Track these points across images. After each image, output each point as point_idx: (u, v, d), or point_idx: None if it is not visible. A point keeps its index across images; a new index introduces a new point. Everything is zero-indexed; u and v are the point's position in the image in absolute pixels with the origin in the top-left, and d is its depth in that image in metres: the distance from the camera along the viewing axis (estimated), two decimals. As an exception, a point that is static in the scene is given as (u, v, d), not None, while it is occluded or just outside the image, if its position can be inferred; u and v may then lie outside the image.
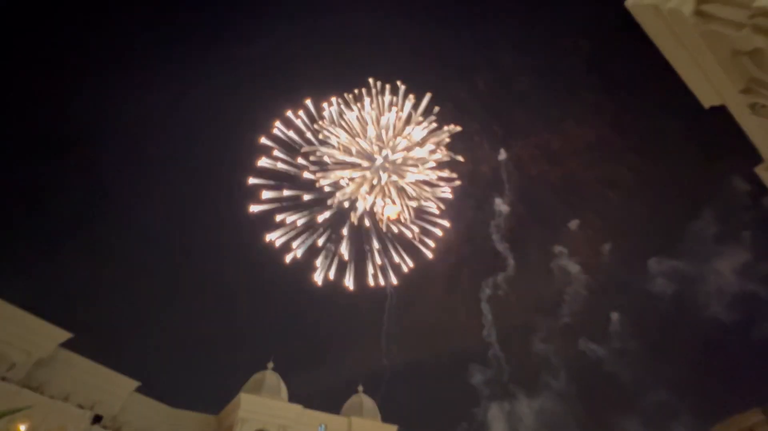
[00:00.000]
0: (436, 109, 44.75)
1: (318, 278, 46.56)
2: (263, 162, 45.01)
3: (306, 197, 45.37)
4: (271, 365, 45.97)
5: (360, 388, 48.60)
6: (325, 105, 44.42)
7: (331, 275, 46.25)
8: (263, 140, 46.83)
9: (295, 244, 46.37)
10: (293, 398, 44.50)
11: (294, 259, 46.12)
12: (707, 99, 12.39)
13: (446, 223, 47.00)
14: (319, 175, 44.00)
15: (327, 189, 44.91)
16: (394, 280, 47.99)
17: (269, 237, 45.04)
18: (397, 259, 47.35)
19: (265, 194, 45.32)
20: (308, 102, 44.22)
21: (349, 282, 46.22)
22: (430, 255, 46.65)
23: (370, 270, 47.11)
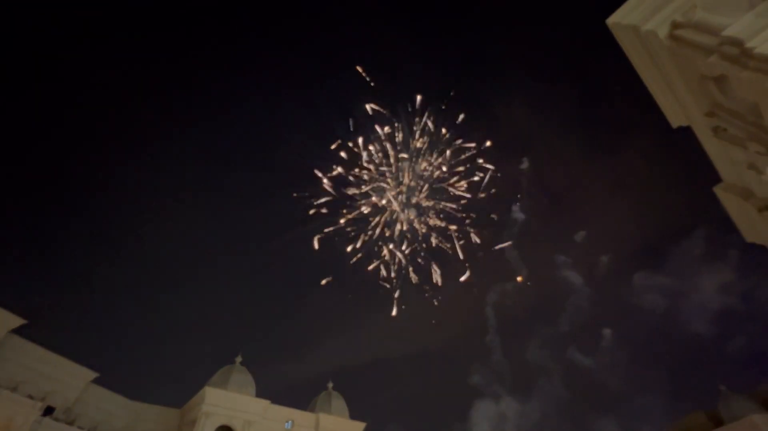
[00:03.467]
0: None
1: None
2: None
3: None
4: (239, 359, 44.97)
5: (330, 385, 48.33)
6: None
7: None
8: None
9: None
10: (261, 392, 43.72)
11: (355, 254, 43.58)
12: (675, 119, 13.08)
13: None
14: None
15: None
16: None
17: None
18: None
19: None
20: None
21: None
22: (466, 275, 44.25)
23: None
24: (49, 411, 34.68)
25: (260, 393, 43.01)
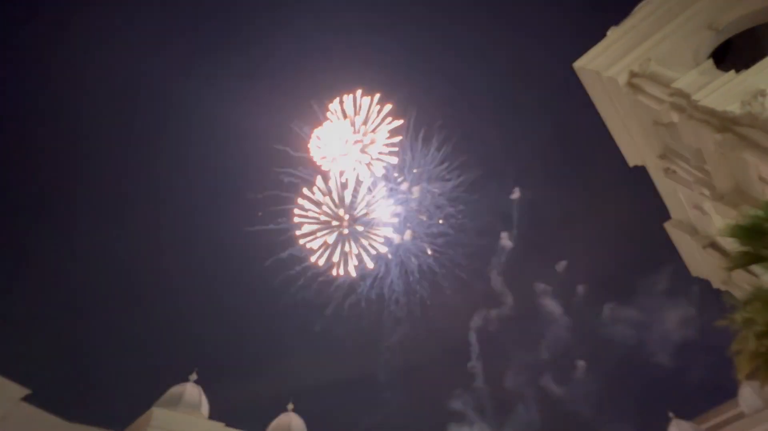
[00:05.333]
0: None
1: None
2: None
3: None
4: (193, 376, 42.24)
5: (290, 406, 46.25)
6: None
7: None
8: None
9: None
10: (216, 414, 41.09)
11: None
12: (632, 158, 14.16)
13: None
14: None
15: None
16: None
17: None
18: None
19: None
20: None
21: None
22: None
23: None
24: (-34, 432, 30.70)
25: (214, 415, 40.17)
